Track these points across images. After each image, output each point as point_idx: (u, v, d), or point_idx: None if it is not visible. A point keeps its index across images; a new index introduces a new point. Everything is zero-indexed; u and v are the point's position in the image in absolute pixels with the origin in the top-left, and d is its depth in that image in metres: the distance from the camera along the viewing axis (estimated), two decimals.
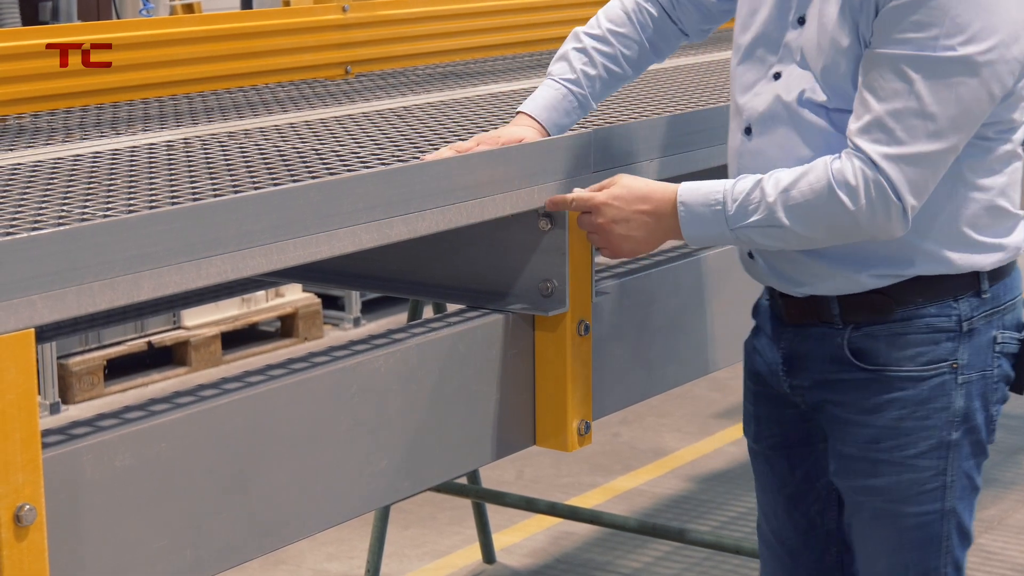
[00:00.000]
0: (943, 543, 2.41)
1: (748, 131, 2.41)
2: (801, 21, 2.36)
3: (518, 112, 2.62)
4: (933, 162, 2.24)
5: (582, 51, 2.64)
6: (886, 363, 2.39)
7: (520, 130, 2.55)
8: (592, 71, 2.63)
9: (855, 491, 2.45)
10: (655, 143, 2.72)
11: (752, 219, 2.29)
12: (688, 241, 2.38)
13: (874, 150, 2.22)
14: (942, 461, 2.39)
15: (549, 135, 2.58)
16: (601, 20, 2.68)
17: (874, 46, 2.24)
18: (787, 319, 2.48)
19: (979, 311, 2.38)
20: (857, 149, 2.23)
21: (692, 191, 2.35)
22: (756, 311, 2.61)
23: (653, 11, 2.67)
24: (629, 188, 2.40)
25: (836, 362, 2.43)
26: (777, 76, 2.38)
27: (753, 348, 2.60)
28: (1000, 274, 2.41)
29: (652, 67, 2.78)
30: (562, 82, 2.62)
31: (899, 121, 2.21)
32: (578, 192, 2.44)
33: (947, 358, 2.37)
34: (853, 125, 2.25)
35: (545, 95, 2.62)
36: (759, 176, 2.31)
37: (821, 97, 2.32)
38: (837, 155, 2.26)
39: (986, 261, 2.38)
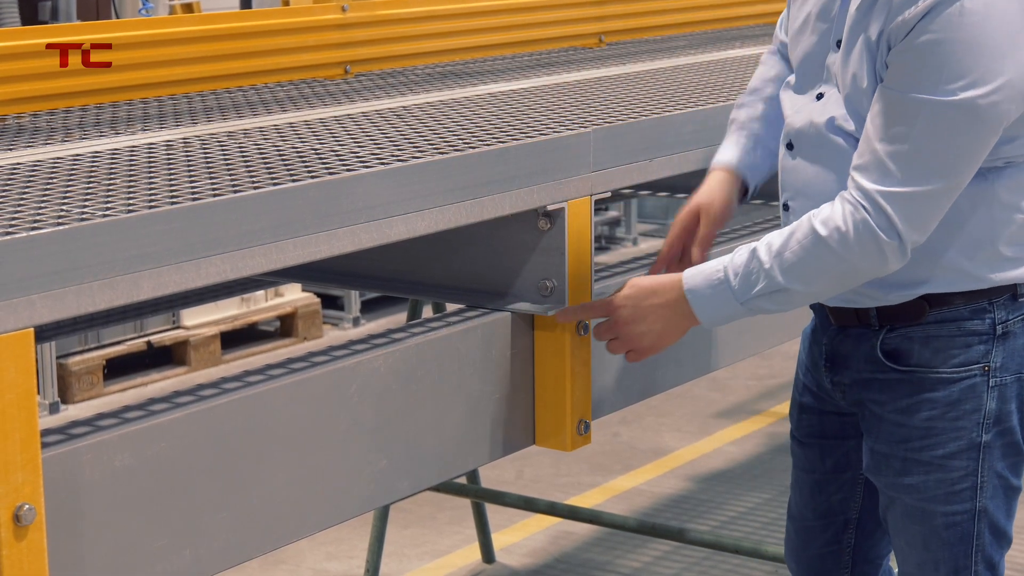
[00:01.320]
0: (974, 542, 2.44)
1: (790, 146, 2.45)
2: (839, 44, 2.38)
3: (712, 168, 2.65)
4: (933, 200, 2.26)
5: (740, 106, 2.68)
6: (918, 364, 2.41)
7: (716, 185, 2.60)
8: (756, 112, 2.66)
9: (888, 487, 2.48)
10: (655, 143, 2.72)
11: (756, 289, 2.33)
12: (706, 324, 2.41)
13: (873, 188, 2.24)
14: (972, 462, 2.41)
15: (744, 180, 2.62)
16: (753, 80, 2.71)
17: (884, 82, 2.26)
18: (831, 319, 2.51)
19: (1015, 314, 2.40)
20: (856, 186, 2.26)
21: (695, 275, 2.39)
22: (814, 305, 2.62)
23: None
24: (638, 286, 2.44)
25: (872, 362, 2.46)
26: (820, 96, 2.41)
27: (808, 340, 2.64)
28: None
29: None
30: (735, 131, 2.66)
31: (898, 162, 2.23)
32: (592, 302, 2.50)
33: (979, 360, 2.39)
34: (856, 159, 2.28)
35: (729, 140, 2.66)
36: (753, 245, 2.35)
37: (850, 126, 2.34)
38: (820, 208, 2.30)
39: (1022, 275, 2.40)
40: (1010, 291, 2.40)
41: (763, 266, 2.32)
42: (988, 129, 2.23)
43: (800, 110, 2.43)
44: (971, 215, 2.34)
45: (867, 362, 2.46)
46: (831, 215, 2.27)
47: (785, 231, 2.33)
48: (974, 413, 2.39)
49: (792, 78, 2.49)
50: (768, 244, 2.33)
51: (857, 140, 2.33)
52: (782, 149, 2.48)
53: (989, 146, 2.26)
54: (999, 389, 2.40)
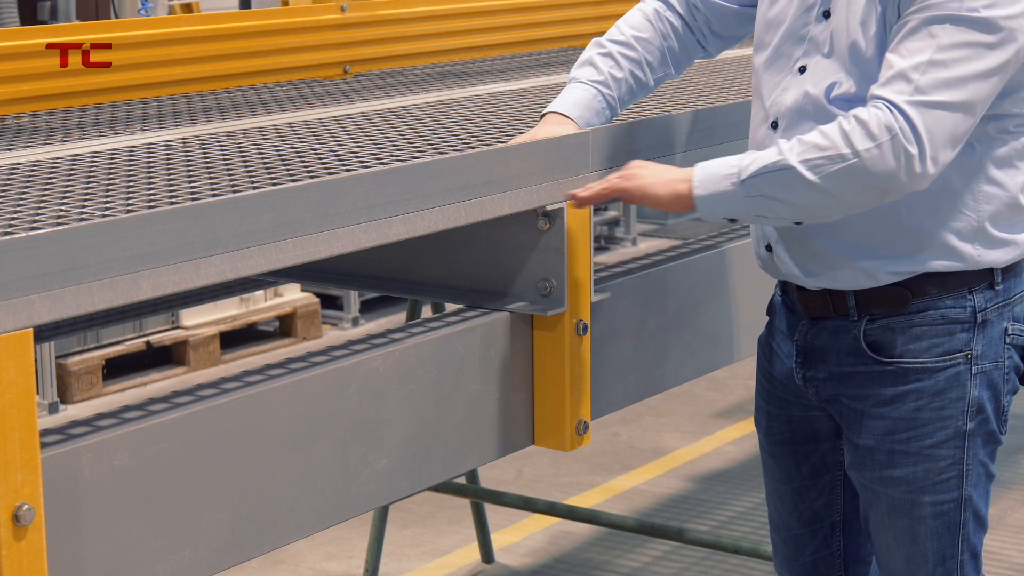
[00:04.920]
0: (960, 531, 2.46)
1: (774, 125, 2.43)
2: (826, 15, 2.39)
3: (546, 113, 2.61)
4: (952, 117, 2.24)
5: (607, 55, 2.63)
6: (902, 355, 2.42)
7: (556, 129, 2.55)
8: (619, 74, 2.62)
9: (872, 482, 2.48)
10: (654, 143, 2.72)
11: (766, 165, 2.26)
12: (699, 202, 2.31)
13: (897, 97, 2.23)
14: (958, 451, 2.42)
15: None
16: (623, 27, 2.67)
17: (904, 13, 2.27)
18: (803, 312, 2.50)
19: (992, 303, 2.42)
20: (878, 99, 2.24)
21: (711, 161, 2.33)
22: (770, 308, 2.62)
23: (674, 20, 2.68)
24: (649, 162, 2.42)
25: (852, 355, 2.45)
26: (802, 70, 2.41)
27: (767, 344, 2.63)
28: (1012, 268, 2.45)
29: None
30: (591, 83, 2.61)
31: (921, 72, 2.23)
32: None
33: (962, 349, 2.41)
34: (875, 84, 2.27)
35: (575, 94, 2.60)
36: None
37: (850, 88, 2.34)
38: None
39: (1003, 258, 2.41)
40: (988, 279, 2.41)
41: (780, 147, 2.28)
42: (1005, 55, 2.25)
43: (787, 88, 2.43)
44: (960, 188, 2.35)
45: (848, 355, 2.46)
46: (857, 112, 2.26)
47: (814, 130, 2.29)
48: (959, 401, 2.41)
49: (763, 59, 2.48)
50: (794, 139, 2.29)
51: (851, 104, 2.32)
52: (761, 130, 2.47)
53: (1004, 79, 2.27)
54: (980, 377, 2.41)
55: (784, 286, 2.57)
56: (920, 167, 2.22)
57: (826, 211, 2.31)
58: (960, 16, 2.23)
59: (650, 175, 2.38)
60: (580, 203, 2.47)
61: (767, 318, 2.65)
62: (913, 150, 2.22)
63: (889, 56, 2.27)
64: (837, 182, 2.24)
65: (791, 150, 2.26)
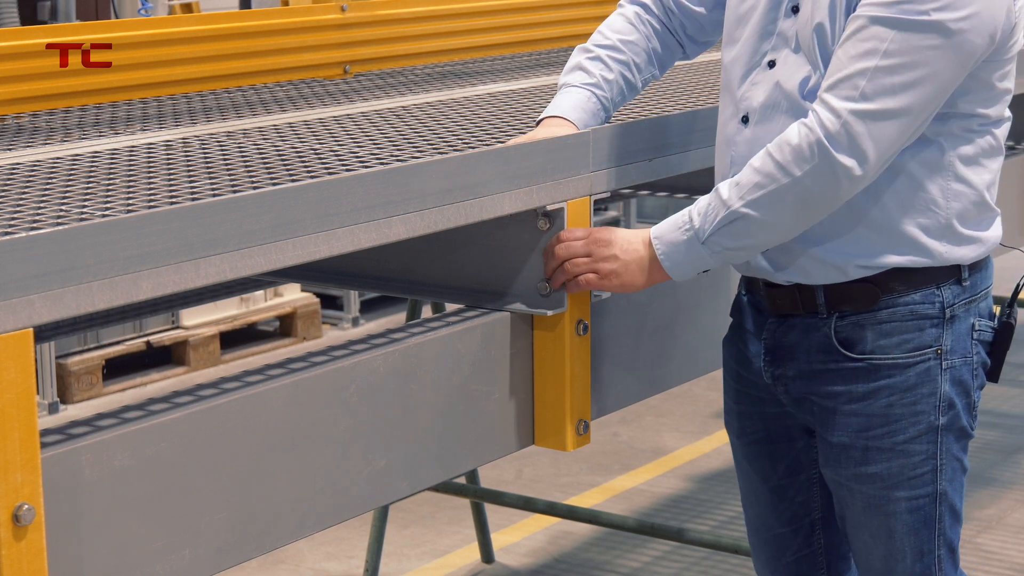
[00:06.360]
0: (936, 526, 2.47)
1: (745, 120, 2.44)
2: (795, 9, 2.40)
3: (542, 118, 2.61)
4: (897, 123, 2.26)
5: (596, 59, 2.65)
6: (873, 351, 2.43)
7: (556, 131, 2.55)
8: (610, 76, 2.64)
9: (847, 479, 2.49)
10: (654, 143, 2.72)
11: (716, 222, 2.33)
12: (671, 273, 2.40)
13: (841, 104, 2.25)
14: (932, 445, 2.44)
15: None
16: (607, 32, 2.69)
17: (857, 10, 2.28)
18: (771, 310, 2.51)
19: (960, 298, 2.44)
20: (824, 105, 2.26)
21: (661, 226, 2.40)
22: (735, 308, 2.63)
23: (654, 23, 2.70)
24: (605, 230, 2.44)
25: (823, 352, 2.46)
26: (771, 64, 2.42)
27: (732, 345, 2.63)
28: (979, 264, 2.47)
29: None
30: (583, 86, 2.62)
31: (868, 79, 2.24)
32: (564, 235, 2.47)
33: (932, 344, 2.42)
34: (824, 82, 2.29)
35: (569, 98, 2.62)
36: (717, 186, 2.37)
37: (819, 82, 2.35)
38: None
39: (969, 255, 2.43)
40: (955, 276, 2.43)
41: (721, 197, 2.33)
42: (955, 58, 2.25)
43: (756, 82, 2.44)
44: (929, 186, 2.37)
45: (818, 352, 2.47)
46: (786, 135, 2.29)
47: (746, 166, 2.33)
48: (930, 397, 2.43)
49: (732, 54, 2.49)
50: (730, 181, 2.34)
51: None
52: (731, 125, 2.48)
53: (954, 80, 2.28)
54: (950, 372, 2.43)
55: (749, 285, 2.58)
56: (861, 171, 2.27)
57: (787, 235, 2.38)
58: (909, 20, 2.22)
59: (624, 270, 2.42)
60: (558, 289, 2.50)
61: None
62: (849, 161, 2.25)
63: (838, 52, 2.28)
64: (786, 211, 2.31)
65: (732, 197, 2.31)
